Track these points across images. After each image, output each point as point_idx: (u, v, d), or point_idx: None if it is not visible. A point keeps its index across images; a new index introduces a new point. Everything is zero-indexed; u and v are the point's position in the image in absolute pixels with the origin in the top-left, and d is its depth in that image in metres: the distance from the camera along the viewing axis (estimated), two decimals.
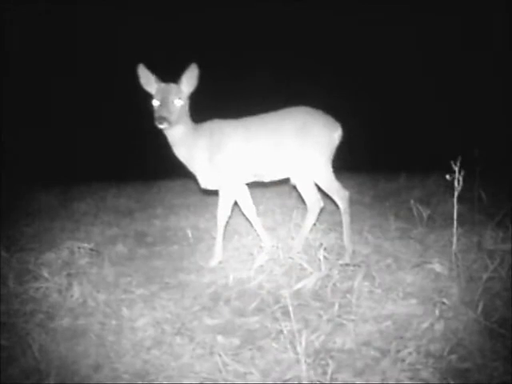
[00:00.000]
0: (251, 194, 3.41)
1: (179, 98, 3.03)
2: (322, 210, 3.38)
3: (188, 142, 3.14)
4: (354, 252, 3.15)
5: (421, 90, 8.46)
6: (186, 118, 3.13)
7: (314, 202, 3.32)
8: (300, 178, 3.31)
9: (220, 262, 3.23)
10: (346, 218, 3.17)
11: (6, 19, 8.16)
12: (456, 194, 2.58)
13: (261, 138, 3.16)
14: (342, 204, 3.17)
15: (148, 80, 3.06)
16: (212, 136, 3.17)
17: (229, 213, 3.31)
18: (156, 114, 2.97)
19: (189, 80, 3.04)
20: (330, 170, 3.19)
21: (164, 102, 2.99)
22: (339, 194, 3.17)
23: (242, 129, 3.19)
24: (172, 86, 3.04)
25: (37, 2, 8.65)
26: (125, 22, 9.31)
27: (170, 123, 2.97)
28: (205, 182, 3.26)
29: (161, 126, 2.97)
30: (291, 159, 3.18)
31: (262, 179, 3.32)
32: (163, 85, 3.05)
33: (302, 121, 3.15)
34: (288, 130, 3.14)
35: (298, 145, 3.13)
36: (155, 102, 3.03)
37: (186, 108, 3.13)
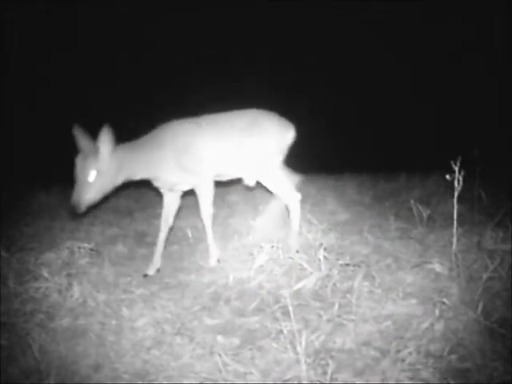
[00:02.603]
0: (251, 194, 3.41)
1: (95, 170, 2.84)
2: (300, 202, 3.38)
3: (153, 166, 3.09)
4: (353, 252, 3.15)
5: (421, 89, 8.45)
6: (125, 165, 2.98)
7: (290, 195, 3.33)
8: (265, 176, 3.32)
9: (219, 261, 3.23)
10: (296, 217, 3.27)
11: (6, 19, 8.16)
12: (456, 194, 2.58)
13: (223, 136, 3.21)
14: (293, 206, 3.27)
15: (81, 138, 2.88)
16: (175, 138, 3.13)
17: (212, 210, 3.29)
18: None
19: (105, 145, 2.87)
20: (281, 171, 3.28)
21: (76, 183, 2.83)
22: (290, 195, 3.26)
23: (206, 127, 3.21)
24: (87, 159, 2.82)
25: (37, 2, 8.64)
26: (125, 22, 9.30)
27: (85, 206, 2.84)
28: (181, 186, 3.27)
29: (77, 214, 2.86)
30: (248, 158, 3.23)
31: (221, 179, 3.36)
32: (81, 159, 2.85)
33: (254, 120, 3.22)
34: (242, 129, 3.20)
35: (251, 144, 3.19)
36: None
37: (116, 161, 2.93)
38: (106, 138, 2.88)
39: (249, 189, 3.49)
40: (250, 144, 3.21)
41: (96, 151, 2.85)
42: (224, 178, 3.40)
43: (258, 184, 3.41)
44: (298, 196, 3.29)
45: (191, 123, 3.23)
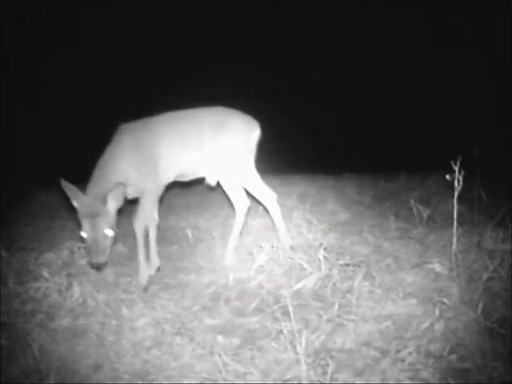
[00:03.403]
0: (251, 195, 3.39)
1: (109, 228, 2.79)
2: (249, 210, 3.39)
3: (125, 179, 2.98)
4: (353, 252, 3.15)
5: (421, 89, 8.45)
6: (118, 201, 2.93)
7: (265, 195, 3.30)
8: (226, 177, 3.28)
9: (151, 276, 3.03)
10: (238, 224, 3.25)
11: (5, 19, 8.15)
12: (456, 194, 2.59)
13: (186, 135, 3.12)
14: (241, 212, 3.25)
15: (73, 194, 2.82)
16: (137, 142, 3.00)
17: (157, 217, 3.13)
18: (88, 257, 2.77)
19: (114, 203, 2.84)
20: (254, 170, 3.24)
21: (94, 242, 2.74)
22: (242, 200, 3.25)
23: (168, 125, 3.12)
24: (99, 219, 2.74)
25: (37, 2, 8.64)
26: (125, 22, 9.30)
27: (106, 263, 2.82)
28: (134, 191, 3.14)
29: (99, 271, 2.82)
30: (212, 157, 3.16)
31: (183, 179, 3.29)
32: (89, 219, 2.74)
33: (221, 118, 3.16)
34: (208, 127, 3.13)
35: (218, 142, 3.13)
36: (83, 234, 2.77)
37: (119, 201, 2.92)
38: (116, 192, 2.83)
39: (211, 189, 3.44)
40: (217, 143, 3.14)
41: (104, 209, 2.78)
42: (186, 179, 3.30)
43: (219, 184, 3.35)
44: (274, 195, 3.24)
45: (149, 124, 3.11)
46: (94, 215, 2.75)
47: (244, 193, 3.32)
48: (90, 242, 2.75)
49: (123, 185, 2.86)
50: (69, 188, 2.82)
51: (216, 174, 3.27)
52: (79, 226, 2.83)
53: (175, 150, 3.11)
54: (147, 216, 3.05)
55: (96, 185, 2.88)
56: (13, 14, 8.32)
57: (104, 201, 2.78)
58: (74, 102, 8.34)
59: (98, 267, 2.77)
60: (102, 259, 2.74)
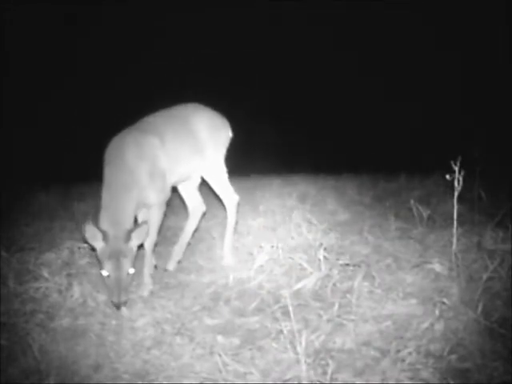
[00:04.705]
0: (252, 194, 3.41)
1: (132, 267, 2.69)
2: (204, 215, 3.44)
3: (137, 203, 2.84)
4: (353, 252, 3.15)
5: (421, 89, 8.45)
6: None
7: (197, 205, 3.34)
8: (212, 176, 3.28)
9: (151, 292, 2.91)
10: (231, 222, 3.27)
11: (6, 19, 8.16)
12: (456, 194, 2.58)
13: (185, 141, 3.08)
14: (231, 208, 3.26)
15: (95, 236, 2.64)
16: (141, 153, 2.85)
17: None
18: (109, 297, 2.64)
19: (138, 237, 2.71)
20: (225, 170, 3.29)
21: (117, 282, 2.61)
22: (231, 197, 3.27)
23: (166, 132, 3.01)
24: (122, 260, 2.63)
25: (37, 2, 8.65)
26: (125, 22, 9.31)
27: (127, 301, 2.66)
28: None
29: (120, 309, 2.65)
30: (201, 158, 3.16)
31: (175, 184, 3.21)
32: (112, 259, 2.61)
33: (208, 119, 3.19)
34: (199, 128, 3.13)
35: (206, 143, 3.15)
36: (104, 273, 2.63)
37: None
38: (140, 232, 2.71)
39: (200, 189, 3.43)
40: (213, 146, 3.17)
41: (128, 249, 2.68)
42: (177, 184, 3.25)
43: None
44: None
45: (147, 134, 2.94)
46: (117, 256, 2.64)
47: (231, 188, 3.32)
48: (113, 282, 2.62)
49: (147, 223, 2.78)
50: (92, 231, 2.62)
51: (200, 174, 3.28)
52: (99, 265, 2.70)
53: (177, 157, 3.04)
54: (157, 232, 3.00)
55: (111, 221, 2.69)
56: (13, 14, 8.33)
57: (128, 240, 2.67)
58: (74, 102, 8.35)
59: (119, 306, 2.63)
60: (123, 298, 2.62)
